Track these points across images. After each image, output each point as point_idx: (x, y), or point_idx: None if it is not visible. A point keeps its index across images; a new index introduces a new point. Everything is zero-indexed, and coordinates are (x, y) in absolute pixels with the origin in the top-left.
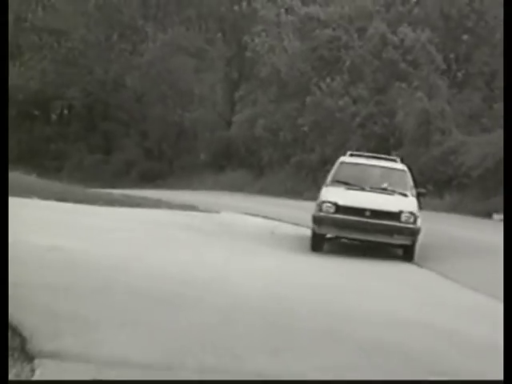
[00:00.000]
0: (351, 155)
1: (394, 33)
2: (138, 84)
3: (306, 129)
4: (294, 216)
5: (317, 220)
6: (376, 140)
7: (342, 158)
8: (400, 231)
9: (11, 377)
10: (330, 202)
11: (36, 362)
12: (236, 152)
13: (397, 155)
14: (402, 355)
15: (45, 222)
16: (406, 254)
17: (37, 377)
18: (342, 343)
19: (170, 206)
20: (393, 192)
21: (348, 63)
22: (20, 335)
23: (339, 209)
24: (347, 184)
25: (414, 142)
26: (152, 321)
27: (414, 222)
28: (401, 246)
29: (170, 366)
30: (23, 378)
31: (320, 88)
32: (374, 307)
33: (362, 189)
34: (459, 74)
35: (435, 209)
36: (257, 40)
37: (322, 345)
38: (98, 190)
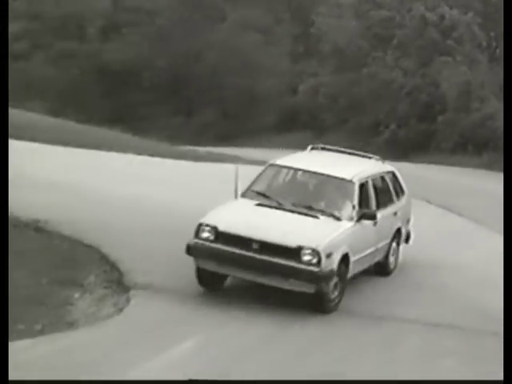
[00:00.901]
0: (313, 149)
1: (436, 13)
2: (216, 57)
3: (361, 96)
4: None
5: (190, 249)
6: (422, 106)
7: (273, 160)
8: (297, 275)
9: (110, 306)
10: (208, 226)
11: (131, 292)
12: (300, 116)
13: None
14: None
15: (139, 176)
16: (312, 303)
17: (131, 306)
18: None
19: (245, 161)
20: (321, 213)
21: (396, 41)
22: (118, 270)
23: (219, 236)
24: (265, 197)
25: (457, 109)
26: None
27: (318, 263)
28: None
29: None
30: (120, 306)
31: (379, 60)
32: None
33: (279, 206)
34: (497, 50)
35: (475, 166)
36: (320, 19)
37: None
38: (183, 147)
